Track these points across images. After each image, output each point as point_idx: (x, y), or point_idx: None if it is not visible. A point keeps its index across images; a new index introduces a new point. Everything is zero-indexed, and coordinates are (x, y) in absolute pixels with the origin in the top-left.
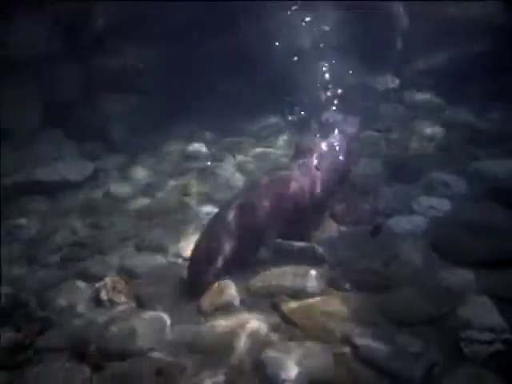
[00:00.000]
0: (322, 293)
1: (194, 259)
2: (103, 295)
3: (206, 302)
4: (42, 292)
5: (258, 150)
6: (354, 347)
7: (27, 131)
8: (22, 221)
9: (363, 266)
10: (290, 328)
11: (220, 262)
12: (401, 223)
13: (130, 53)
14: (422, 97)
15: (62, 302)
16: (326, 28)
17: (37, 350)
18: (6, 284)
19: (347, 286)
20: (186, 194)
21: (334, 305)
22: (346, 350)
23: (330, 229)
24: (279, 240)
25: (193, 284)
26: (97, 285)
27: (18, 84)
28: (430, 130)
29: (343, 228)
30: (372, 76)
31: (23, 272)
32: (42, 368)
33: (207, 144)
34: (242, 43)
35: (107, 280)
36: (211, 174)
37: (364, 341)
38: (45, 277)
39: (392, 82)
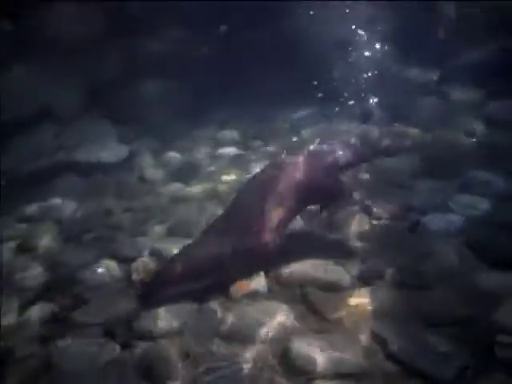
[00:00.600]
0: (352, 286)
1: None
2: (135, 276)
3: (235, 287)
4: (76, 269)
5: (291, 139)
6: (383, 343)
7: (68, 112)
8: (58, 200)
9: (396, 262)
10: (318, 320)
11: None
12: (436, 221)
13: (170, 37)
14: (463, 91)
15: (95, 280)
16: (368, 16)
17: (70, 324)
18: (41, 260)
19: (378, 281)
20: (218, 181)
21: (364, 299)
22: (375, 345)
23: (362, 222)
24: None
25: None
26: (130, 265)
27: (61, 66)
28: (470, 125)
29: (375, 222)
30: (411, 67)
31: (59, 249)
32: (74, 342)
33: (240, 131)
34: (284, 32)
35: (139, 261)
36: (243, 162)
37: (394, 337)
38: (79, 255)
39: (432, 73)
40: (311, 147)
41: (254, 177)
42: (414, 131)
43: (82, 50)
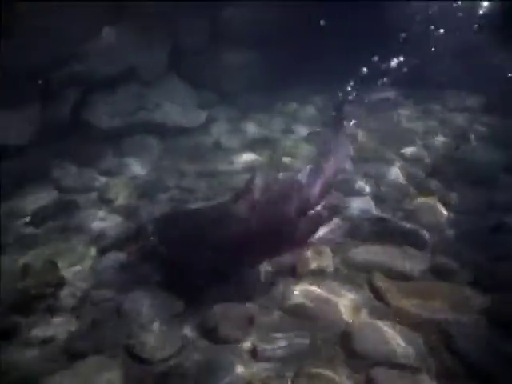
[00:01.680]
0: (421, 277)
1: None
2: None
3: (301, 264)
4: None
5: (371, 121)
6: (449, 339)
7: (151, 74)
8: (136, 158)
9: (471, 260)
10: (382, 307)
11: None
12: None
13: (256, 6)
14: None
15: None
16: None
17: (140, 275)
18: (118, 212)
19: (450, 276)
20: (291, 155)
21: (433, 292)
22: (439, 339)
23: (440, 214)
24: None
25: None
26: None
27: (147, 28)
28: None
29: (453, 216)
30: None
31: (134, 204)
32: (143, 293)
33: (318, 109)
34: (383, 15)
35: None
36: (317, 140)
37: (461, 335)
38: (153, 211)
39: None
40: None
41: None
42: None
43: (170, 15)
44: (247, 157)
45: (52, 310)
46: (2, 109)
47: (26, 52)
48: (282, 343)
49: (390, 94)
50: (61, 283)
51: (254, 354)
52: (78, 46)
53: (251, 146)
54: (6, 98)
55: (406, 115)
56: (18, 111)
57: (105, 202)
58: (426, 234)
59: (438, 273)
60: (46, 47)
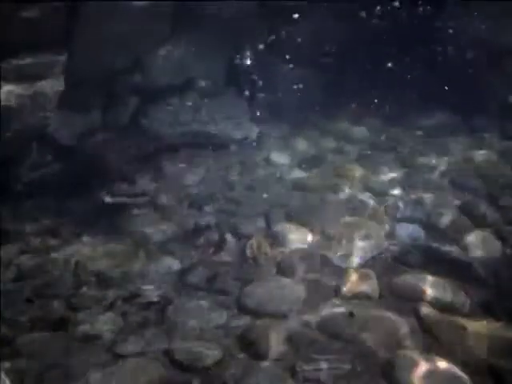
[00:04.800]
0: (470, 313)
1: None
2: (249, 253)
3: (346, 286)
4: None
5: (424, 146)
6: (497, 380)
7: (209, 87)
8: (188, 168)
9: None
10: (428, 338)
11: None
12: None
13: (312, 25)
14: None
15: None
16: None
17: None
18: (168, 219)
19: (503, 314)
20: (341, 176)
21: (483, 329)
22: (485, 379)
23: (494, 248)
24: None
25: None
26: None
27: (208, 43)
28: None
29: (509, 250)
30: None
31: (184, 213)
32: (187, 300)
33: (370, 130)
34: (441, 32)
35: (254, 240)
36: (369, 161)
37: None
38: (201, 222)
39: None
40: None
41: None
42: None
43: (232, 29)
44: (296, 173)
45: (100, 308)
46: (66, 111)
47: (91, 60)
48: (318, 366)
49: None
50: (110, 283)
51: (293, 373)
52: (140, 57)
53: (301, 163)
54: (72, 102)
55: None
56: (82, 115)
57: (157, 208)
58: (479, 267)
59: (489, 309)
60: (110, 56)
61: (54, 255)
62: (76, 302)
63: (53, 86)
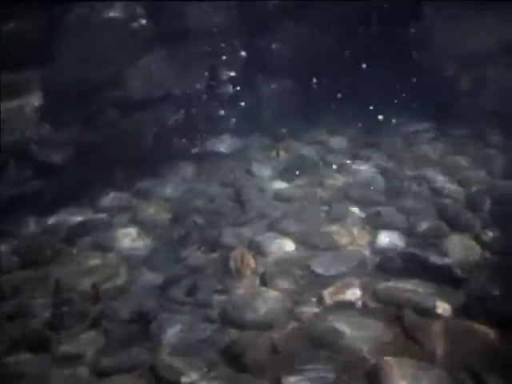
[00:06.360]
0: (453, 317)
1: None
2: (232, 264)
3: (328, 295)
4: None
5: (403, 154)
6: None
7: (188, 100)
8: (170, 181)
9: (509, 303)
10: (411, 344)
11: None
12: None
13: (291, 35)
14: None
15: (195, 261)
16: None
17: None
18: (148, 233)
19: (485, 318)
20: (321, 185)
21: (465, 334)
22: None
23: (473, 252)
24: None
25: None
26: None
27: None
28: None
29: (489, 255)
30: None
31: (165, 227)
32: (171, 316)
33: (350, 140)
34: (412, 41)
35: (237, 251)
36: (350, 170)
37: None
38: (183, 235)
39: None
40: None
41: None
42: None
43: (208, 43)
44: (278, 184)
45: (82, 326)
46: (45, 127)
47: (70, 74)
48: (305, 376)
49: None
50: (95, 300)
51: None
52: (118, 72)
53: (282, 173)
54: (51, 117)
55: None
56: (61, 130)
57: (137, 222)
58: (460, 272)
59: (471, 314)
60: (90, 70)
61: (33, 273)
62: (57, 322)
63: (31, 101)
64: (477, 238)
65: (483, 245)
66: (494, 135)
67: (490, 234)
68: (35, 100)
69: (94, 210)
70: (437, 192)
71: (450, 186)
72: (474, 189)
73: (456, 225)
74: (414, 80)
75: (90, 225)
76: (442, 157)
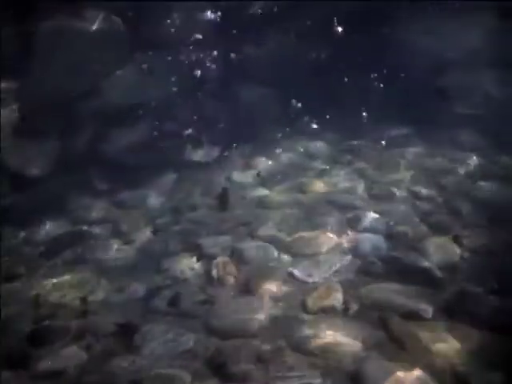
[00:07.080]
0: (435, 318)
1: None
2: (214, 273)
3: (312, 300)
4: (160, 258)
5: (382, 158)
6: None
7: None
8: (150, 191)
9: (488, 302)
10: (395, 347)
11: None
12: None
13: (271, 44)
14: None
15: (176, 271)
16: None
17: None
18: (130, 244)
19: (465, 317)
20: (302, 192)
21: (447, 335)
22: None
23: (452, 252)
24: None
25: None
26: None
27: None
28: None
29: (467, 254)
30: None
31: (147, 238)
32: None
33: (329, 144)
34: (391, 46)
35: (219, 260)
36: (330, 176)
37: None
38: (165, 245)
39: None
40: None
41: None
42: None
43: (186, 53)
44: (259, 192)
45: (63, 342)
46: (21, 139)
47: (45, 86)
48: (293, 382)
49: None
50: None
51: None
52: (94, 83)
53: (263, 180)
54: (26, 129)
55: None
56: (37, 142)
57: (118, 234)
58: (439, 273)
59: (452, 314)
60: (66, 81)
61: (11, 287)
62: (37, 337)
63: (5, 114)
64: (456, 240)
65: (462, 246)
66: (470, 138)
67: (469, 235)
68: (11, 113)
69: (74, 222)
70: (416, 195)
71: (429, 190)
72: (452, 191)
73: (435, 227)
74: (393, 85)
75: (69, 237)
76: (421, 160)
